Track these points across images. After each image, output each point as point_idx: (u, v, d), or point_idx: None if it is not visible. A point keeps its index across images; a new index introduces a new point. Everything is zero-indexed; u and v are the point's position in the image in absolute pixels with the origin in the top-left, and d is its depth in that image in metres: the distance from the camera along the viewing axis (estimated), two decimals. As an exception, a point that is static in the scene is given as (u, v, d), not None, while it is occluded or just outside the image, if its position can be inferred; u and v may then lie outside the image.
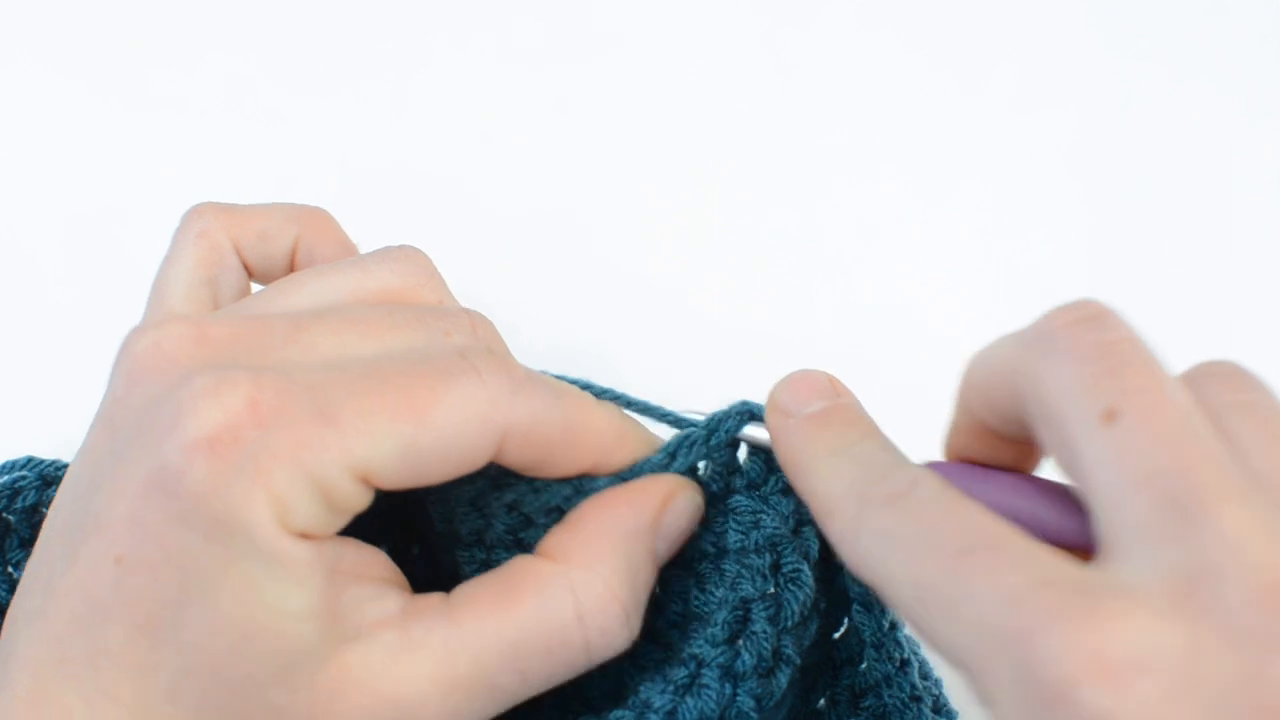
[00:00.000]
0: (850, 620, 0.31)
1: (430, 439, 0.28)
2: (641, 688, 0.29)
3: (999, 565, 0.23)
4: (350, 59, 0.53)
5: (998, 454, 0.29)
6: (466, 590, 0.29)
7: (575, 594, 0.29)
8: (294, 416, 0.27)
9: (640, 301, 0.48)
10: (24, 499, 0.35)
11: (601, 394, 0.31)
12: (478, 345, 0.30)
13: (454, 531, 0.33)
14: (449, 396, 0.28)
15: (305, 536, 0.27)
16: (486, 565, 0.31)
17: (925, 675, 0.32)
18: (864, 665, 0.31)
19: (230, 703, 0.27)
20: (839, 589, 0.31)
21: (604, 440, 0.31)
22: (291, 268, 0.37)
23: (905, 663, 0.31)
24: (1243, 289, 0.49)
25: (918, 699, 0.31)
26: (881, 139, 0.52)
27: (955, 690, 0.31)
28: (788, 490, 0.30)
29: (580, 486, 0.31)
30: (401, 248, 0.34)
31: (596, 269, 0.49)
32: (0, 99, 0.52)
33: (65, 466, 0.36)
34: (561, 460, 0.30)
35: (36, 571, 0.29)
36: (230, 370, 0.27)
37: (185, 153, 0.51)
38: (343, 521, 0.28)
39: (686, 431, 0.31)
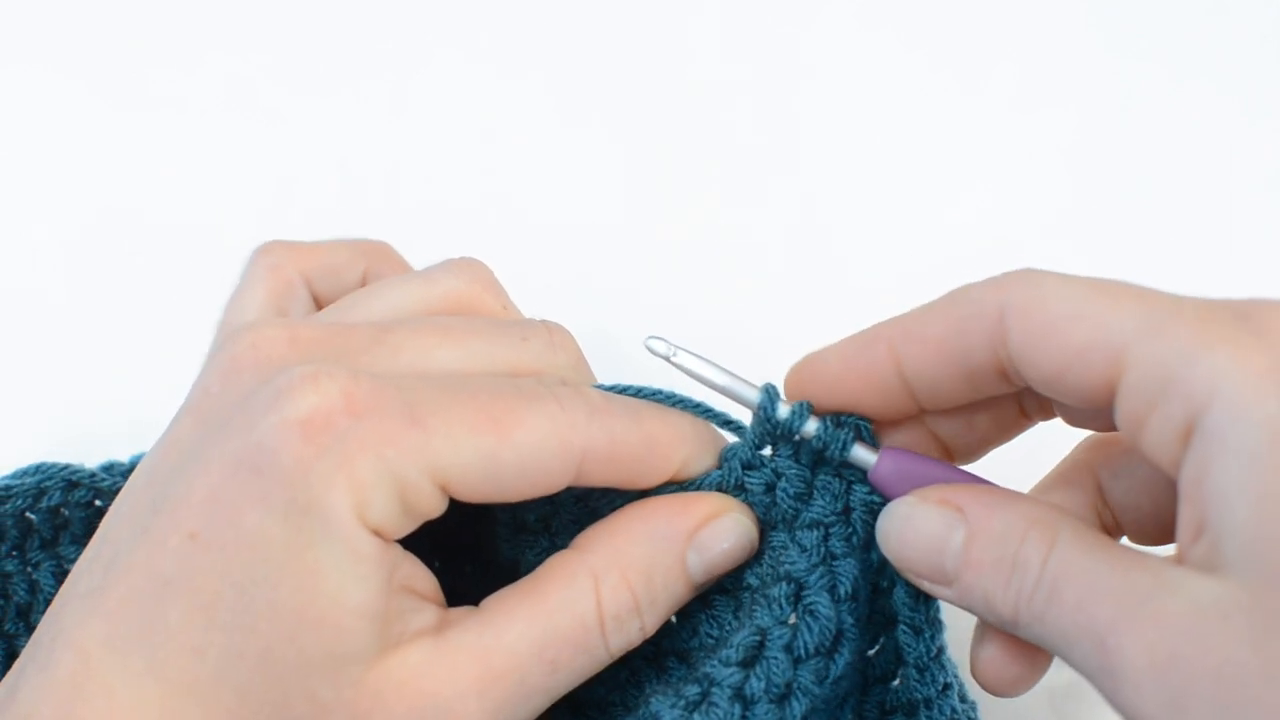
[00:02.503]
0: (889, 639, 0.31)
1: (510, 454, 0.29)
2: (652, 699, 0.29)
3: None
4: (350, 60, 0.53)
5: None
6: (497, 595, 0.30)
7: (595, 579, 0.30)
8: (384, 413, 0.28)
9: (640, 299, 0.48)
10: (48, 499, 0.36)
11: (677, 403, 0.32)
12: (554, 367, 0.32)
13: (520, 520, 0.33)
14: (529, 417, 0.29)
15: (377, 534, 0.28)
16: (551, 551, 0.32)
17: (964, 698, 0.32)
18: (896, 682, 0.31)
19: (274, 693, 0.28)
20: (885, 608, 0.31)
21: (687, 449, 0.32)
22: None
23: (948, 686, 0.31)
24: (1242, 288, 0.49)
25: None
26: (881, 138, 0.52)
27: (989, 712, 0.31)
28: (815, 524, 0.31)
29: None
30: (462, 259, 0.35)
31: (597, 268, 0.49)
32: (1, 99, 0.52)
33: (89, 472, 0.37)
34: (648, 473, 0.31)
35: (96, 554, 0.30)
36: (328, 364, 0.29)
37: (185, 154, 0.51)
38: (412, 525, 0.29)
39: (730, 445, 0.32)
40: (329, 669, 0.28)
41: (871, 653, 0.32)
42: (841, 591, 0.30)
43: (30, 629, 0.36)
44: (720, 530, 0.31)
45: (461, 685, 0.29)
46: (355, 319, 0.33)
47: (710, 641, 0.32)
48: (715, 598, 0.32)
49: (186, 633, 0.28)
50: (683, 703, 0.29)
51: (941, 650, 0.31)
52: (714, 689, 0.29)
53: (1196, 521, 0.25)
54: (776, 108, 0.52)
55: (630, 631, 0.30)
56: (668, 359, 0.31)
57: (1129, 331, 0.26)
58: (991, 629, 0.30)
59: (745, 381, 0.31)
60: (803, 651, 0.29)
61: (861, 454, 0.30)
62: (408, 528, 0.29)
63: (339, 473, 0.27)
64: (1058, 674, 0.27)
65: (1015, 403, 0.31)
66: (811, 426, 0.31)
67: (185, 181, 0.50)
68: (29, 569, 0.36)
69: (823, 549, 0.30)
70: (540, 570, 0.31)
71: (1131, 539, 0.31)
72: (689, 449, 0.32)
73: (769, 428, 0.31)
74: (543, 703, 0.30)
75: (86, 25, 0.53)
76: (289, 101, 0.52)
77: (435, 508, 0.29)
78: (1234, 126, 0.52)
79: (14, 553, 0.36)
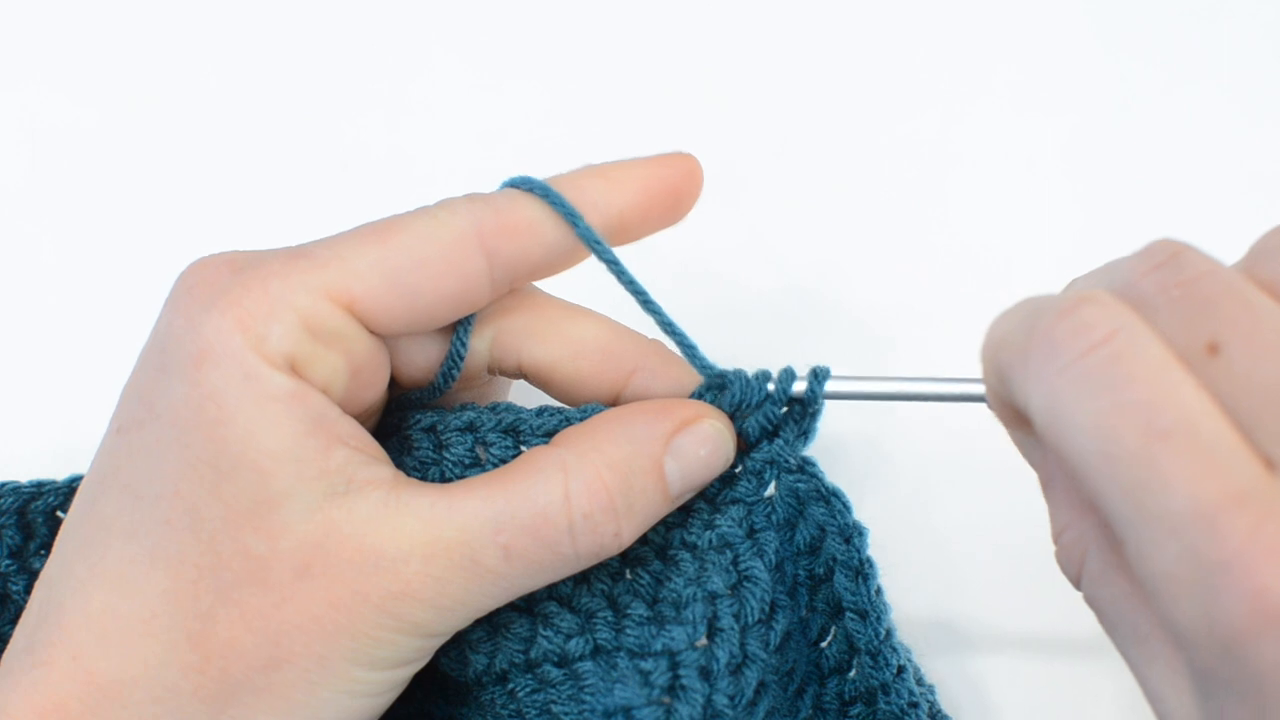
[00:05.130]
0: (839, 628, 0.32)
1: (402, 256, 0.29)
2: (616, 690, 0.29)
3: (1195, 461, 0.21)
4: (351, 61, 0.53)
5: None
6: (467, 478, 0.30)
7: (565, 473, 0.29)
8: (267, 258, 0.29)
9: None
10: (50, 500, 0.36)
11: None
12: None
13: (442, 468, 0.33)
14: (413, 220, 0.29)
15: (294, 372, 0.28)
16: None
17: (920, 681, 0.32)
18: (853, 673, 0.31)
19: (207, 555, 0.27)
20: (829, 598, 0.32)
21: (642, 349, 0.32)
22: None
23: (902, 669, 0.31)
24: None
25: (915, 705, 0.31)
26: (880, 138, 0.52)
27: (947, 695, 0.32)
28: (736, 501, 0.31)
29: (587, 412, 0.31)
30: None
31: (598, 270, 0.49)
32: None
33: None
34: (565, 247, 0.30)
35: None
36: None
37: (184, 156, 0.51)
38: (334, 355, 0.29)
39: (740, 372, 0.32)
40: (258, 518, 0.27)
41: (824, 644, 0.32)
42: (766, 561, 0.30)
43: None
44: (699, 435, 0.30)
45: (406, 546, 0.28)
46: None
47: (601, 587, 0.32)
48: (638, 550, 0.32)
49: (118, 519, 0.28)
50: (656, 692, 0.28)
51: (890, 633, 0.31)
52: (682, 671, 0.28)
53: None
54: (774, 108, 0.53)
55: (604, 535, 0.29)
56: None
57: (1115, 524, 0.23)
58: None
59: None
60: (749, 619, 0.29)
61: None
62: (327, 357, 0.28)
63: (225, 315, 0.27)
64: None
65: None
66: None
67: (185, 183, 0.50)
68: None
69: (747, 524, 0.31)
70: (514, 461, 0.30)
71: None
72: (647, 353, 0.32)
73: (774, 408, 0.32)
74: (499, 593, 0.29)
75: (85, 27, 0.53)
76: (289, 103, 0.52)
77: (347, 329, 0.29)
78: (1234, 127, 0.52)
79: (41, 551, 0.36)
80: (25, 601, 0.35)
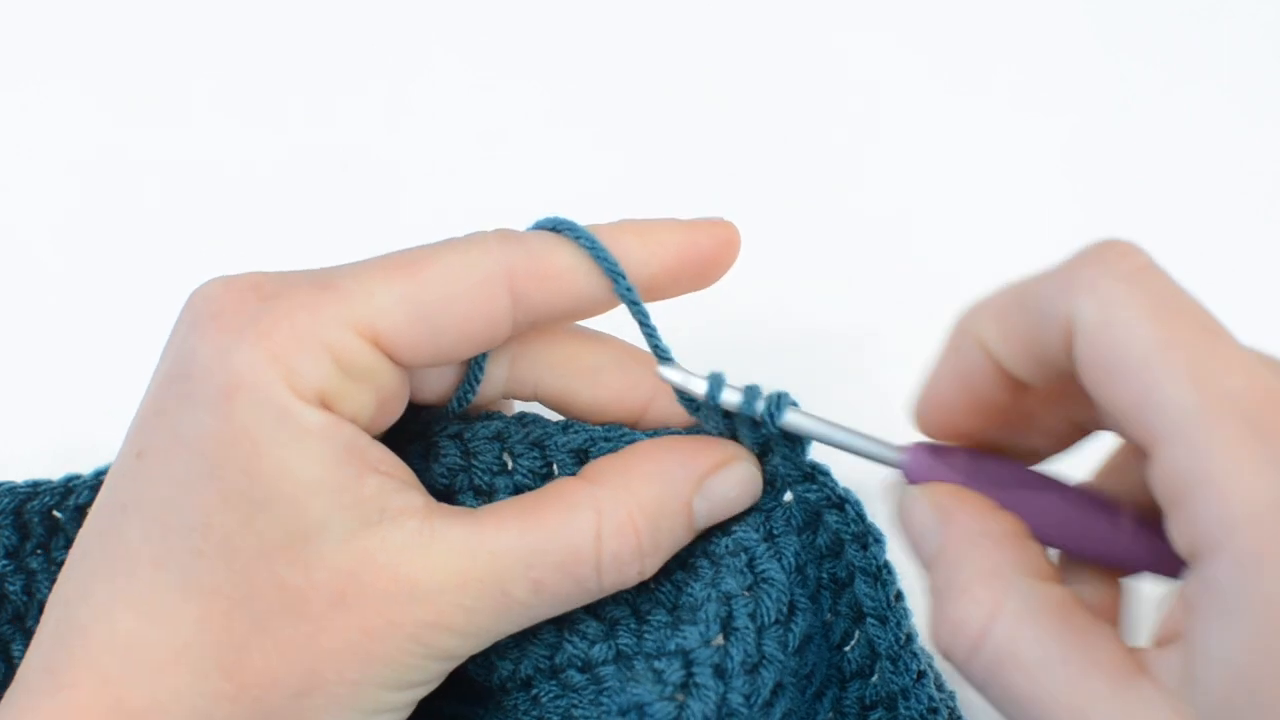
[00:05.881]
0: (862, 633, 0.32)
1: (428, 292, 0.29)
2: (630, 688, 0.29)
3: None
4: (350, 63, 0.53)
5: (983, 404, 0.28)
6: (496, 503, 0.30)
7: (599, 514, 0.29)
8: (294, 287, 0.28)
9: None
10: (76, 497, 0.36)
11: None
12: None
13: (470, 474, 0.33)
14: (442, 254, 0.29)
15: (324, 406, 0.28)
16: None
17: (940, 687, 0.32)
18: (875, 678, 0.32)
19: (241, 588, 0.28)
20: (852, 602, 0.32)
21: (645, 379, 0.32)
22: None
23: (922, 674, 0.31)
24: (1243, 289, 0.49)
25: (935, 710, 0.31)
26: (879, 139, 0.52)
27: (969, 703, 0.32)
28: (754, 508, 0.32)
29: (611, 433, 0.32)
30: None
31: None
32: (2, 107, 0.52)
33: None
34: (591, 295, 0.30)
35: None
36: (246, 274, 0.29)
37: (184, 158, 0.51)
38: (363, 390, 0.29)
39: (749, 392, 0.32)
40: (293, 549, 0.27)
41: (847, 648, 0.32)
42: (785, 563, 0.30)
43: None
44: (730, 478, 0.31)
45: (440, 578, 0.28)
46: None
47: (625, 595, 0.32)
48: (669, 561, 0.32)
49: (146, 548, 0.28)
50: (669, 689, 0.28)
51: (911, 638, 0.31)
52: (696, 668, 0.28)
53: (1177, 630, 0.24)
54: (774, 111, 0.52)
55: (629, 574, 0.30)
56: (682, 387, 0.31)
57: (1169, 411, 0.24)
58: None
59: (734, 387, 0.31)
60: (765, 619, 0.29)
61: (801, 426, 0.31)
62: (357, 392, 0.29)
63: (256, 348, 0.27)
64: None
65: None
66: (795, 419, 0.31)
67: (184, 183, 0.50)
68: (54, 567, 0.36)
69: (765, 529, 0.31)
70: (543, 490, 0.30)
71: None
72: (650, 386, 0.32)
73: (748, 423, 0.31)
74: (524, 621, 0.30)
75: (85, 30, 0.53)
76: (288, 105, 0.52)
77: (376, 364, 0.29)
78: (1234, 127, 0.52)
79: (38, 550, 0.36)
80: (21, 601, 0.36)
